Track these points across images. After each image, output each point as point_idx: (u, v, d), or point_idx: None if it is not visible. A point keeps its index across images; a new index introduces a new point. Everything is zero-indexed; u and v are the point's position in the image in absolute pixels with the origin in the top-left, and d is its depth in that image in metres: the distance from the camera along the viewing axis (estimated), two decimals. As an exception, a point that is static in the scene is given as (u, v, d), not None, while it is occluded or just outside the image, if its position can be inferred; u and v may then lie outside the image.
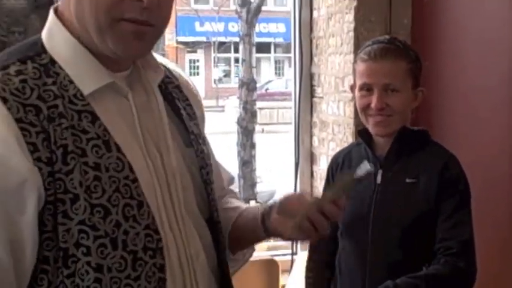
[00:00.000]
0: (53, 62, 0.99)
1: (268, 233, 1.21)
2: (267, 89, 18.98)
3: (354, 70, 1.85)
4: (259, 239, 1.27)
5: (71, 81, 0.98)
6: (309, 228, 1.14)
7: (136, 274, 0.97)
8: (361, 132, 1.89)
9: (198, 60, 23.80)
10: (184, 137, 1.14)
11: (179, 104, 1.16)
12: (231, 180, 1.41)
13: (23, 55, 0.99)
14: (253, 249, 1.35)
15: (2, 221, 0.90)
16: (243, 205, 1.31)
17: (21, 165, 0.90)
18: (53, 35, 1.02)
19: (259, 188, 7.34)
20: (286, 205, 1.18)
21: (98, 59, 1.02)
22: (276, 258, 2.87)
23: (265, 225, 1.20)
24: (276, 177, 7.87)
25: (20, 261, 0.92)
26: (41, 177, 0.91)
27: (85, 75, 1.00)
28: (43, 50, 1.00)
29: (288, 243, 3.28)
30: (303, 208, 1.15)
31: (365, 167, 1.22)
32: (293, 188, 3.23)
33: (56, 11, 1.05)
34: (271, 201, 1.24)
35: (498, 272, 2.28)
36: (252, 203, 3.07)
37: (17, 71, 0.96)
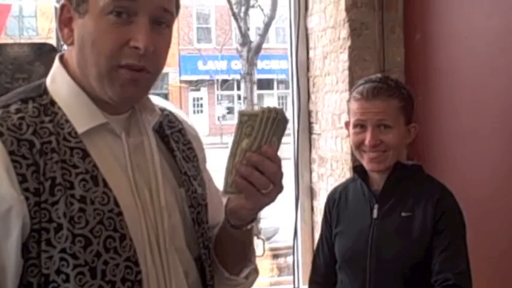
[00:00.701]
0: (52, 102, 1.06)
1: (228, 219, 1.17)
2: (270, 125, 19.00)
3: (348, 108, 1.89)
4: (231, 237, 1.20)
5: (67, 121, 1.05)
6: (246, 187, 1.06)
7: None
8: (357, 168, 1.93)
9: (201, 98, 23.93)
10: (177, 176, 1.18)
11: (174, 146, 1.21)
12: None
13: (25, 96, 1.06)
14: (258, 271, 1.33)
15: None
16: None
17: (8, 194, 0.96)
18: (55, 79, 1.09)
19: (262, 224, 7.33)
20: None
21: (96, 103, 1.08)
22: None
23: (226, 215, 1.17)
24: (279, 214, 7.86)
25: (1, 286, 0.97)
26: (27, 207, 0.96)
27: (81, 115, 1.06)
28: (45, 92, 1.07)
29: (290, 279, 3.30)
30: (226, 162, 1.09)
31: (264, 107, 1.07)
32: (294, 223, 3.26)
33: (61, 58, 1.12)
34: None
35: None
36: (255, 239, 3.07)
37: (17, 109, 1.03)
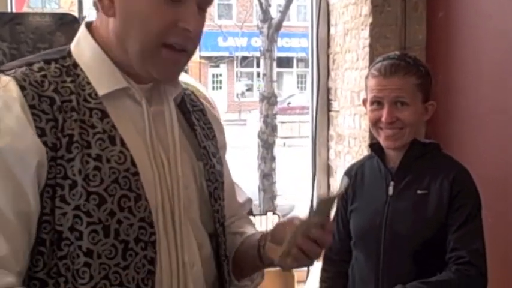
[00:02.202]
0: (75, 65, 1.07)
1: (262, 261, 1.21)
2: (289, 103, 18.99)
3: (366, 85, 1.89)
4: (257, 267, 1.26)
5: (89, 83, 1.06)
6: (299, 256, 1.12)
7: (125, 263, 1.01)
8: (373, 146, 1.93)
9: (220, 75, 23.89)
10: (196, 150, 1.18)
11: (196, 121, 1.21)
12: (248, 202, 1.42)
13: (49, 57, 1.07)
14: (263, 274, 1.34)
15: (11, 184, 0.97)
16: (250, 230, 1.32)
17: (35, 143, 0.98)
18: (80, 43, 1.11)
19: (279, 201, 7.35)
20: (277, 232, 1.18)
21: (121, 70, 1.09)
22: (292, 269, 2.89)
23: (260, 253, 1.20)
24: (296, 191, 7.88)
25: (30, 233, 0.98)
26: (46, 157, 0.98)
27: (103, 78, 1.07)
28: (68, 54, 1.09)
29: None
30: (290, 234, 1.12)
31: (344, 181, 1.23)
32: (310, 201, 3.27)
33: (87, 26, 1.13)
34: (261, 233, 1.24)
35: (510, 281, 2.29)
36: (270, 215, 3.11)
37: (40, 67, 1.04)
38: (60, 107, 1.01)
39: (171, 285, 1.07)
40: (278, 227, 1.20)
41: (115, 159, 1.02)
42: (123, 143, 1.04)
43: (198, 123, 1.22)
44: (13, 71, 1.03)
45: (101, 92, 1.06)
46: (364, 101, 1.91)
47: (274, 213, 3.13)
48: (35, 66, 1.05)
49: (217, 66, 23.66)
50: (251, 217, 3.01)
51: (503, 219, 2.30)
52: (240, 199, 1.38)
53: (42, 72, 1.04)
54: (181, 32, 1.04)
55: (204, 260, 1.15)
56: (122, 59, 1.08)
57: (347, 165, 2.90)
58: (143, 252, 1.03)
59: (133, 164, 1.03)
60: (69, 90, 1.04)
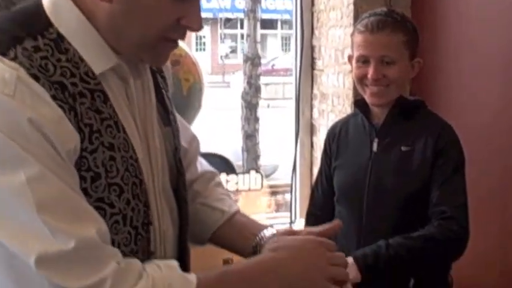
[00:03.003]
0: (61, 37, 0.95)
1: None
2: (273, 65, 18.91)
3: (352, 42, 1.87)
4: (242, 256, 1.25)
5: (82, 59, 0.95)
6: None
7: (136, 248, 1.00)
8: (358, 102, 1.93)
9: (204, 37, 23.69)
10: (163, 115, 1.14)
11: (161, 80, 1.17)
12: (194, 140, 1.37)
13: (29, 28, 0.93)
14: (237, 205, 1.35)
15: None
16: (231, 208, 1.30)
17: (67, 125, 0.90)
18: (59, 10, 0.97)
19: (262, 161, 7.37)
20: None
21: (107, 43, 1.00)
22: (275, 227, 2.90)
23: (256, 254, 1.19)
24: (279, 152, 7.91)
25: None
26: (79, 147, 0.92)
27: (95, 54, 0.97)
28: (48, 23, 0.95)
29: (287, 215, 3.34)
30: None
31: None
32: (293, 159, 3.27)
33: None
34: (264, 233, 1.23)
35: (492, 236, 2.32)
36: (253, 174, 3.12)
37: (34, 46, 0.91)
38: (74, 94, 0.92)
39: (156, 256, 1.07)
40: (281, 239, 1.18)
41: (122, 147, 0.98)
42: (124, 130, 0.99)
43: (163, 84, 1.18)
44: (12, 55, 0.89)
45: (97, 70, 0.97)
46: (350, 58, 1.90)
47: (257, 172, 3.13)
48: (28, 45, 0.91)
49: (201, 27, 23.42)
50: (233, 176, 3.03)
51: (486, 175, 2.32)
52: (188, 145, 1.33)
53: (40, 53, 0.91)
54: (184, 28, 1.00)
55: (173, 222, 1.14)
56: (109, 38, 0.98)
57: (330, 123, 2.89)
58: (146, 235, 1.02)
59: (134, 150, 1.01)
60: (69, 72, 0.93)
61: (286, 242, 1.13)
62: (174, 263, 0.98)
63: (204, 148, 1.39)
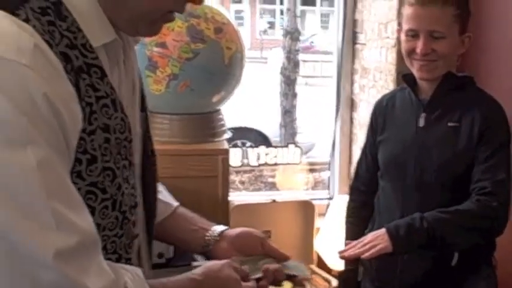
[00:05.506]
0: (60, 2, 0.85)
1: (206, 254, 1.24)
2: (311, 42, 18.74)
3: (401, 14, 1.82)
4: (188, 249, 1.27)
5: (79, 29, 0.86)
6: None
7: (122, 232, 0.96)
8: (406, 77, 1.90)
9: (243, 11, 23.61)
10: (140, 100, 1.09)
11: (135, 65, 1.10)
12: None
13: None
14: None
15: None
16: (174, 202, 1.30)
17: (76, 106, 0.84)
18: None
19: (299, 138, 7.34)
20: (239, 241, 1.23)
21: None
22: (313, 201, 2.89)
23: (207, 248, 1.23)
24: (316, 130, 7.86)
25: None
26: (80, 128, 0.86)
27: (94, 25, 0.89)
28: None
29: (325, 192, 3.32)
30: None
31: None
32: (333, 135, 3.23)
33: None
34: (218, 229, 1.26)
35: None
36: (292, 147, 3.10)
37: (41, 8, 0.82)
38: (76, 68, 0.83)
39: (140, 239, 1.06)
40: (240, 237, 1.24)
41: (119, 128, 0.91)
42: (122, 108, 0.92)
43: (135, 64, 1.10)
44: (23, 15, 0.79)
45: (95, 43, 0.88)
46: (398, 30, 1.86)
47: (296, 146, 3.10)
48: (34, 5, 0.80)
49: (240, 1, 23.35)
50: (271, 148, 3.00)
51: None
52: None
53: (47, 17, 0.81)
54: (188, 3, 0.95)
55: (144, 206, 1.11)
56: (109, 8, 0.91)
57: (371, 99, 2.86)
58: (132, 217, 0.98)
59: (129, 130, 0.94)
60: (70, 42, 0.83)
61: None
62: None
63: (242, 123, 1.36)
